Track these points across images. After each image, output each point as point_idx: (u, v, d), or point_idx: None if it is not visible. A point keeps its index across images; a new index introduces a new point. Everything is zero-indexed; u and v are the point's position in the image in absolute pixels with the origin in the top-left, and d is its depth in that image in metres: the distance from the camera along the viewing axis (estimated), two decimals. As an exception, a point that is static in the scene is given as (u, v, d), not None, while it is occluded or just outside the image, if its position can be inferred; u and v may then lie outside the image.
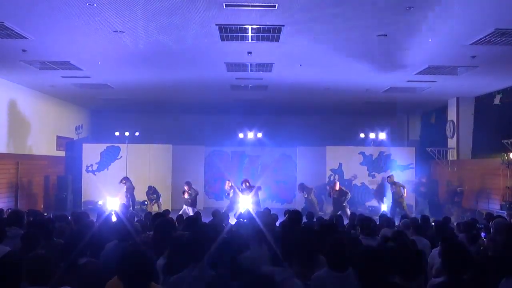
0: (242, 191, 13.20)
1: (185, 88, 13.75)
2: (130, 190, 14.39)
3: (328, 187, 14.91)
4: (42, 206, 14.55)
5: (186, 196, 13.21)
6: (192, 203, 13.23)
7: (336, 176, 16.40)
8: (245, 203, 12.69)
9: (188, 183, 13.44)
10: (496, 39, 8.19)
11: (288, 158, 18.44)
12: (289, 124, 18.38)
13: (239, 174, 17.54)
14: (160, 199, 15.30)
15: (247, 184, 13.33)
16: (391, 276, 3.20)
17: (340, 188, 13.88)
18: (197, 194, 13.50)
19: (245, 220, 7.41)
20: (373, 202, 16.13)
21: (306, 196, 14.92)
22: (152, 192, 15.13)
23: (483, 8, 6.85)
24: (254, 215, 7.41)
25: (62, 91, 14.53)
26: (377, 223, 8.13)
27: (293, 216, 6.52)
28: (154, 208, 14.58)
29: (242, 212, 10.67)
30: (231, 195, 13.49)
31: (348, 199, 13.88)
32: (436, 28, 7.80)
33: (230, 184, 13.62)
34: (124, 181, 14.46)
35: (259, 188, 13.59)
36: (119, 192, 14.40)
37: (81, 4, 6.74)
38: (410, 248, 3.70)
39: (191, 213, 12.79)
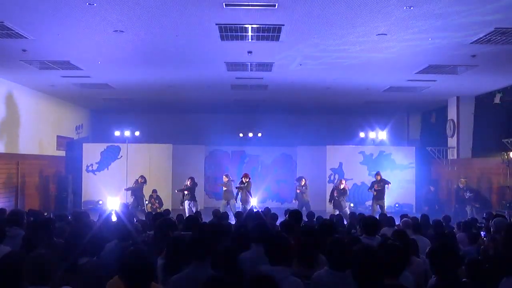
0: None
1: (185, 88, 13.75)
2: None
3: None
4: (42, 206, 14.55)
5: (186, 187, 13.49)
6: (192, 191, 13.45)
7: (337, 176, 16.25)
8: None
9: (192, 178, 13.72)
10: (496, 38, 8.19)
11: (288, 158, 18.45)
12: (289, 124, 18.38)
13: (239, 174, 17.55)
14: (161, 208, 15.27)
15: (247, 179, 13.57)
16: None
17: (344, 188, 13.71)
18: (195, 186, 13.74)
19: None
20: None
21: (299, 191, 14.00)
22: (156, 197, 15.12)
23: (483, 7, 6.84)
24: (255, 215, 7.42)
25: (62, 91, 14.53)
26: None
27: (293, 216, 6.53)
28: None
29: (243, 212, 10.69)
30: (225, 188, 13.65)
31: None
32: (436, 28, 7.80)
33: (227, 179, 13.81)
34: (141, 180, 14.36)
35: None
36: (119, 192, 14.39)
37: (81, 4, 6.74)
38: (392, 243, 3.70)
39: (192, 208, 13.10)
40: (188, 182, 13.53)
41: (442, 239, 5.59)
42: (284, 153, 18.50)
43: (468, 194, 13.45)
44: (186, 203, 13.32)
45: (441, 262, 3.50)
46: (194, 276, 3.60)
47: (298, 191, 13.84)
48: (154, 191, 15.04)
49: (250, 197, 13.29)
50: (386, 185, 13.87)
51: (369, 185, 15.86)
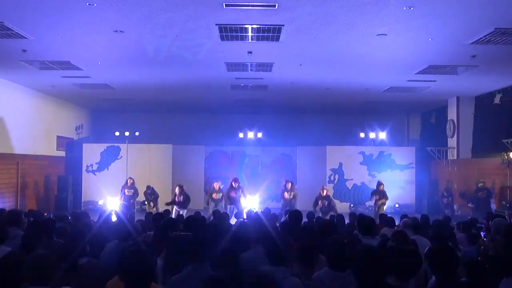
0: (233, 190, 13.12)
1: (185, 88, 13.75)
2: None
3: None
4: (42, 206, 14.55)
5: (177, 200, 12.90)
6: (184, 205, 12.92)
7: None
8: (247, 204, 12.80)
9: (181, 186, 13.07)
10: (496, 38, 8.19)
11: (288, 158, 18.45)
12: (289, 124, 18.38)
13: (239, 174, 17.56)
14: (158, 200, 15.23)
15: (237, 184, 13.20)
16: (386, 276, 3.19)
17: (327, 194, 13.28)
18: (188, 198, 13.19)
19: (245, 220, 7.41)
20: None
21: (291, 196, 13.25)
22: (151, 193, 15.07)
23: (483, 8, 6.84)
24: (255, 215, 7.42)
25: (62, 91, 14.53)
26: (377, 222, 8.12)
27: (293, 216, 6.53)
28: (151, 209, 14.49)
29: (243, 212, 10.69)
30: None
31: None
32: (436, 28, 7.80)
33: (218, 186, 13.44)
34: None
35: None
36: (120, 192, 14.38)
37: (81, 4, 6.74)
38: (409, 248, 3.68)
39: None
40: (177, 191, 12.89)
41: (441, 240, 5.58)
42: (284, 153, 18.49)
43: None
44: (175, 208, 12.78)
45: (439, 263, 3.50)
46: (194, 276, 3.60)
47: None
48: (148, 187, 14.98)
49: (241, 199, 13.09)
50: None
51: (369, 186, 15.90)
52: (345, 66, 10.78)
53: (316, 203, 12.78)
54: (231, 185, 13.11)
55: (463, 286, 3.69)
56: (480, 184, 13.24)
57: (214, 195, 13.11)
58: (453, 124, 15.44)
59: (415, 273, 3.51)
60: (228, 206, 12.83)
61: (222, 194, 13.12)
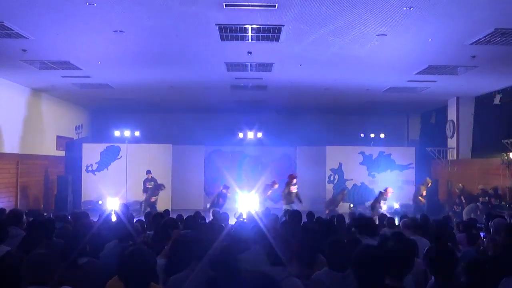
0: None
1: (185, 88, 13.75)
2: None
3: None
4: (42, 206, 14.56)
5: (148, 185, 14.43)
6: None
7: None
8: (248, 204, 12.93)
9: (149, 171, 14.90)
10: (496, 39, 8.20)
11: (288, 158, 18.45)
12: (289, 124, 18.38)
13: (239, 174, 17.58)
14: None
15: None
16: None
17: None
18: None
19: (245, 220, 7.41)
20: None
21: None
22: (151, 179, 15.07)
23: (483, 8, 6.84)
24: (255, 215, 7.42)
25: (62, 91, 14.53)
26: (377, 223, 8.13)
27: (293, 216, 6.54)
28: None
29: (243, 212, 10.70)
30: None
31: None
32: (436, 28, 7.80)
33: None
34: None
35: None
36: (120, 192, 14.42)
37: (81, 4, 6.74)
38: (407, 248, 3.68)
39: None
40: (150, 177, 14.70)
41: (440, 240, 5.58)
42: (284, 153, 18.50)
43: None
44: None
45: (438, 263, 3.50)
46: (193, 276, 3.60)
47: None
48: (148, 172, 15.06)
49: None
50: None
51: (369, 186, 15.89)
52: (345, 66, 10.78)
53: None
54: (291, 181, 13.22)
55: (462, 286, 3.69)
56: (490, 190, 13.20)
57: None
58: (453, 124, 15.44)
59: (408, 272, 3.50)
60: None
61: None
